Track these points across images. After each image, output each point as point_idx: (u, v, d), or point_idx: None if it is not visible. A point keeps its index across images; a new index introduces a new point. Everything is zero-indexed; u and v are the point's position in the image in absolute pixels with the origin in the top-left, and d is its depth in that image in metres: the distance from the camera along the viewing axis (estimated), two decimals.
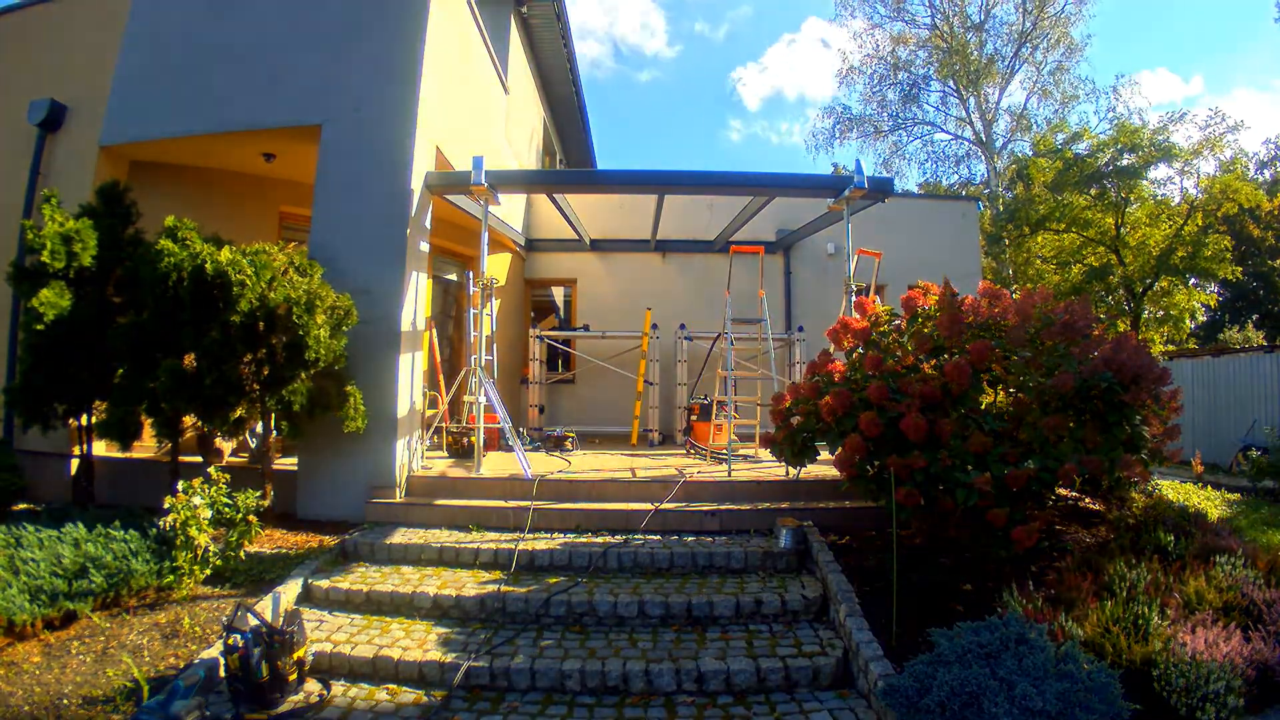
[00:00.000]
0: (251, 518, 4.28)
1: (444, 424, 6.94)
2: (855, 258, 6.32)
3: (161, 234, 4.76)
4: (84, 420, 5.17)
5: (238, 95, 5.86)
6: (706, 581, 4.19)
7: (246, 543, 4.33)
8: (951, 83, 21.93)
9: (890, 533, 3.63)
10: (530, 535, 4.81)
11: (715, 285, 10.27)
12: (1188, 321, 18.97)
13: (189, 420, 5.12)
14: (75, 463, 5.45)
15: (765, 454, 6.52)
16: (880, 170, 22.77)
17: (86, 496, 5.21)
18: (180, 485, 4.20)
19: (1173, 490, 6.07)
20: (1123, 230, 17.39)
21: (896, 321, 4.69)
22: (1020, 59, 21.31)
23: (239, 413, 4.72)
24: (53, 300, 4.72)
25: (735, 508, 5.11)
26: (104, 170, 5.98)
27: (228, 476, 4.29)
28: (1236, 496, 6.87)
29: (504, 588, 4.00)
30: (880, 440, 3.71)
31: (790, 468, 5.74)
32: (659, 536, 4.81)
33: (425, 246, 5.91)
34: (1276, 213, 19.41)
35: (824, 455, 4.65)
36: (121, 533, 4.14)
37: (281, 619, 3.28)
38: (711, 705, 3.11)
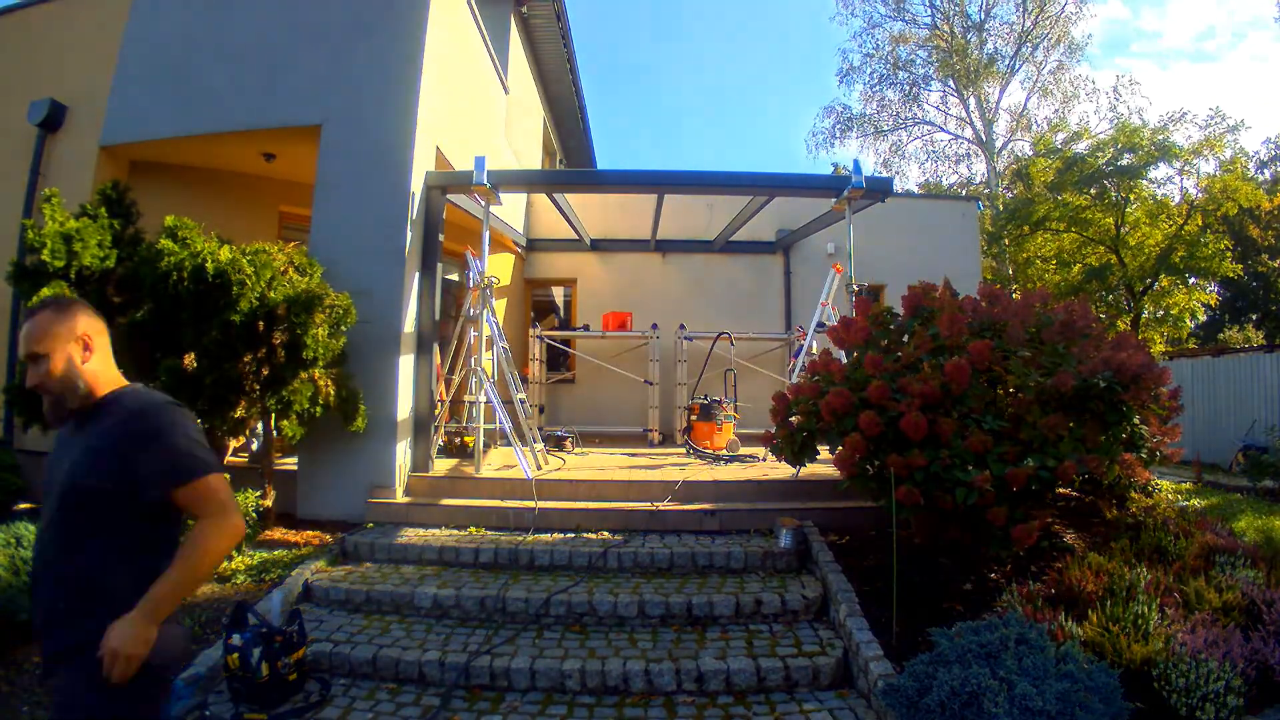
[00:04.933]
0: (251, 517, 4.28)
1: (444, 423, 6.94)
2: (852, 259, 6.31)
3: (162, 233, 4.76)
4: None
5: (238, 95, 5.86)
6: (706, 581, 4.19)
7: (246, 543, 4.33)
8: (951, 82, 21.93)
9: (890, 532, 3.63)
10: (530, 535, 4.81)
11: (715, 285, 10.30)
12: (1188, 321, 18.97)
13: None
14: None
15: (765, 454, 6.53)
16: (880, 170, 22.77)
17: None
18: None
19: (1172, 490, 6.08)
20: (1122, 230, 17.39)
21: (897, 321, 4.69)
22: (1020, 58, 21.32)
23: (239, 412, 4.72)
24: None
25: (735, 507, 5.11)
26: (104, 170, 5.98)
27: (228, 476, 4.28)
28: (1234, 496, 6.87)
29: (504, 587, 4.00)
30: (880, 439, 3.71)
31: (790, 467, 5.76)
32: (659, 536, 4.82)
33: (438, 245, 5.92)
34: (1276, 213, 19.40)
35: (824, 454, 4.65)
36: None
37: (281, 619, 3.28)
38: (711, 705, 3.11)
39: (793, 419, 4.53)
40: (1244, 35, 39.99)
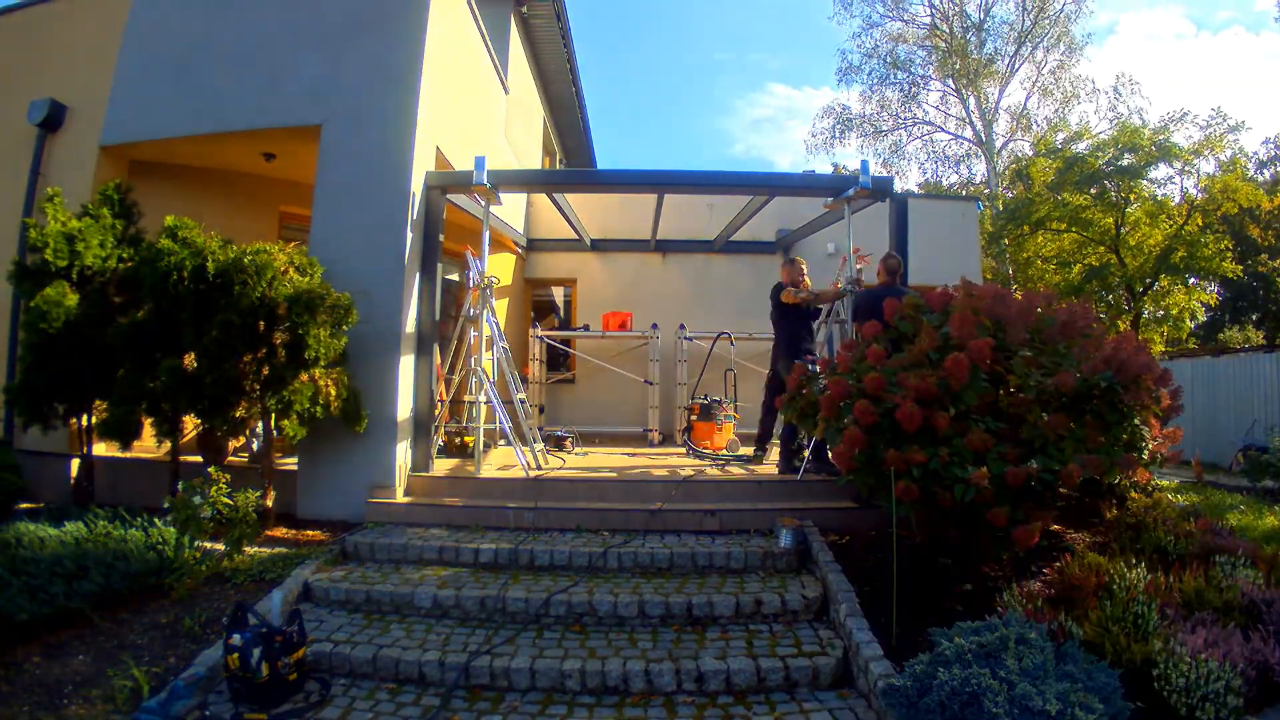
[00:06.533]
0: (251, 517, 4.28)
1: (444, 423, 6.93)
2: (854, 259, 6.30)
3: (162, 233, 4.77)
4: (84, 420, 5.17)
5: (238, 95, 5.86)
6: (706, 581, 4.19)
7: (246, 542, 4.33)
8: (951, 82, 21.95)
9: (890, 532, 3.63)
10: (530, 535, 4.81)
11: (715, 285, 10.30)
12: (1188, 321, 18.99)
13: (189, 420, 5.12)
14: (76, 463, 5.45)
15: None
16: (880, 170, 22.78)
17: (87, 496, 5.21)
18: (180, 485, 4.20)
19: (1172, 490, 6.08)
20: (1122, 230, 17.40)
21: (925, 316, 4.63)
22: (1020, 58, 21.33)
23: (239, 412, 4.72)
24: (55, 299, 4.73)
25: (735, 507, 5.11)
26: (104, 170, 5.98)
27: (228, 476, 4.29)
28: (1235, 496, 6.87)
29: (504, 587, 4.00)
30: (876, 429, 3.70)
31: (790, 469, 5.74)
32: (659, 536, 4.82)
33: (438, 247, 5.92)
34: (1276, 212, 19.41)
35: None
36: (122, 532, 4.15)
37: (281, 618, 3.28)
38: (711, 705, 3.11)
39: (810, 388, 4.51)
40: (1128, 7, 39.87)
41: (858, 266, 6.11)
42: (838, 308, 6.45)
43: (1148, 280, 17.55)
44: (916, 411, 3.50)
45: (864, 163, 6.09)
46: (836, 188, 6.34)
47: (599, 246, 10.31)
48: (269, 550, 4.55)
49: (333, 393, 4.86)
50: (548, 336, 9.53)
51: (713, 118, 66.58)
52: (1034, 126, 21.69)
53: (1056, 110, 21.32)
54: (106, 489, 5.39)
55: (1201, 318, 21.54)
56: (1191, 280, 18.12)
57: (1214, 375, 12.05)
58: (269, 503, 5.02)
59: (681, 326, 9.22)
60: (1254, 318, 23.92)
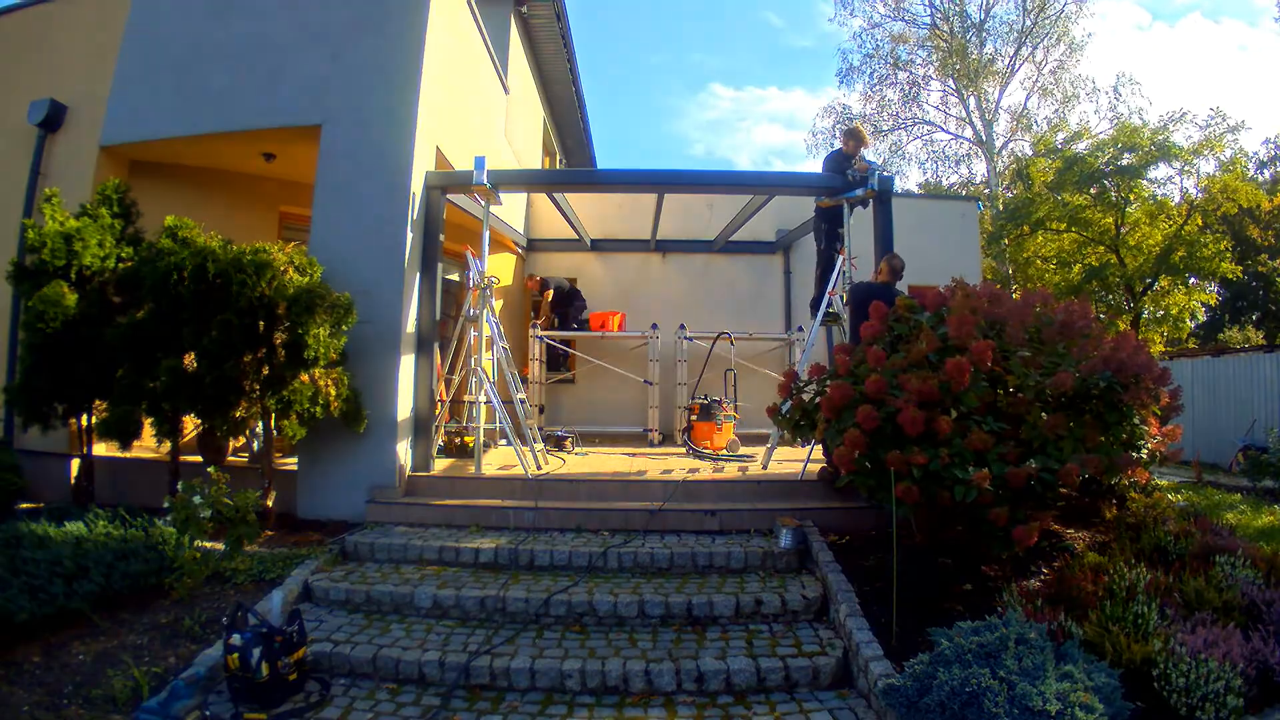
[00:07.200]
0: (251, 517, 4.28)
1: (444, 423, 6.93)
2: (853, 260, 6.28)
3: (162, 233, 4.77)
4: (84, 420, 5.17)
5: (238, 95, 5.86)
6: (706, 581, 4.19)
7: (246, 542, 4.33)
8: (951, 82, 21.94)
9: (890, 532, 3.63)
10: (530, 535, 4.81)
11: (715, 285, 10.30)
12: (1188, 321, 19.00)
13: (189, 420, 5.12)
14: (76, 463, 5.45)
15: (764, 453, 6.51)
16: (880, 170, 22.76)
17: (87, 496, 5.21)
18: (180, 485, 4.20)
19: (1172, 490, 6.08)
20: (1122, 230, 17.41)
21: (922, 315, 4.63)
22: (1020, 58, 21.33)
23: (239, 412, 4.72)
24: (53, 299, 4.72)
25: (735, 507, 5.10)
26: (104, 170, 5.98)
27: (228, 476, 4.29)
28: (1234, 496, 6.87)
29: (504, 587, 4.00)
30: (878, 433, 3.70)
31: (790, 466, 5.73)
32: (659, 536, 4.81)
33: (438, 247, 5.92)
34: (1276, 213, 19.41)
35: (819, 455, 4.63)
36: (122, 532, 4.15)
37: (281, 619, 3.28)
38: (711, 705, 3.11)
39: (802, 396, 4.51)
40: None
41: (851, 270, 6.11)
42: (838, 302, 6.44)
43: (1147, 280, 17.56)
44: (919, 416, 3.50)
45: (872, 165, 6.09)
46: (843, 188, 6.31)
47: (599, 246, 10.30)
48: (269, 550, 4.55)
49: (333, 393, 4.86)
50: (547, 336, 9.53)
51: (663, 121, 66.88)
52: (1034, 126, 21.70)
53: (1056, 110, 21.33)
54: (106, 489, 5.39)
55: (1201, 318, 21.55)
56: (1191, 280, 18.13)
57: (1214, 375, 12.05)
58: (269, 503, 5.03)
59: (681, 326, 9.22)
60: (1254, 318, 23.92)
